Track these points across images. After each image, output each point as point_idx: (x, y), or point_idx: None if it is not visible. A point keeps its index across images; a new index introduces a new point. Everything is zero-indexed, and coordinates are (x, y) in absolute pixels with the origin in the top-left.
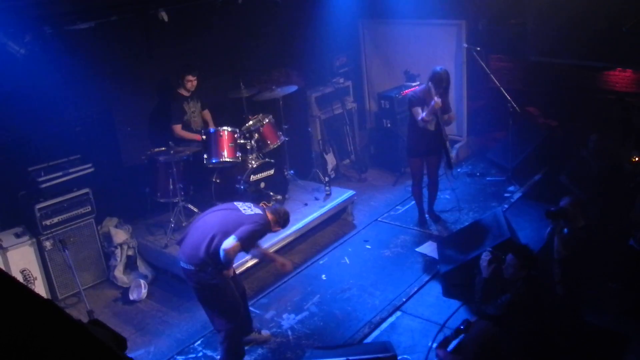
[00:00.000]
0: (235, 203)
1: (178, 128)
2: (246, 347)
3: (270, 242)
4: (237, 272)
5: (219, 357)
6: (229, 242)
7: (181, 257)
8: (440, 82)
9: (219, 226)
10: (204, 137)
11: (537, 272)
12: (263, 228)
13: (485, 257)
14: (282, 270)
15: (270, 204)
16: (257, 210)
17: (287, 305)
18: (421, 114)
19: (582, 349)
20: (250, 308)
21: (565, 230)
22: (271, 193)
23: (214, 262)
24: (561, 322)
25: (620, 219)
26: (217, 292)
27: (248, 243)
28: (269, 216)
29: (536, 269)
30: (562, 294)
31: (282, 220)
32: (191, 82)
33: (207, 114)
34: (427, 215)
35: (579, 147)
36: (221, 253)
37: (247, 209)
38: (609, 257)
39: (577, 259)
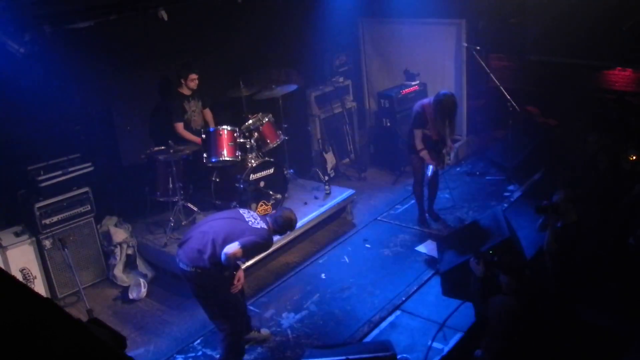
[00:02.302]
0: (241, 212)
1: (180, 126)
2: (246, 346)
3: None
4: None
5: (218, 355)
6: (232, 247)
7: (182, 259)
8: (438, 107)
9: (225, 233)
10: (203, 136)
11: (531, 274)
12: (266, 243)
13: (472, 260)
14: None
15: (270, 204)
16: (263, 225)
17: (287, 304)
18: (420, 138)
19: (580, 349)
20: (250, 307)
21: (559, 224)
22: (271, 192)
23: (216, 266)
24: (555, 320)
25: (619, 218)
26: (217, 292)
27: (249, 253)
28: (273, 231)
29: (529, 272)
30: (555, 289)
31: (283, 229)
32: (194, 80)
33: (207, 113)
34: (427, 214)
35: (579, 146)
36: (222, 256)
37: (253, 220)
38: (608, 256)
39: (568, 253)
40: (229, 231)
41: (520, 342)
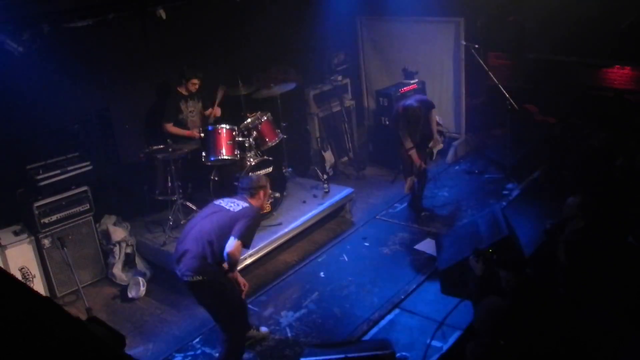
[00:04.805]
0: (216, 203)
1: (169, 126)
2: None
3: (268, 240)
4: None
5: (218, 355)
6: (231, 244)
7: (185, 272)
8: (404, 116)
9: (216, 230)
10: (202, 135)
11: (533, 273)
12: (257, 219)
13: (472, 258)
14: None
15: (268, 203)
16: (244, 204)
17: (286, 303)
18: (407, 137)
19: (579, 349)
20: (249, 305)
21: (567, 231)
22: (269, 190)
23: (220, 266)
24: (560, 323)
25: (619, 216)
26: (224, 295)
27: (248, 238)
28: (255, 204)
29: (530, 270)
30: (565, 297)
31: (259, 190)
32: (195, 85)
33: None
34: (422, 203)
35: (580, 145)
36: (226, 257)
37: (233, 205)
38: (609, 255)
39: (580, 264)
40: (219, 226)
41: (507, 346)
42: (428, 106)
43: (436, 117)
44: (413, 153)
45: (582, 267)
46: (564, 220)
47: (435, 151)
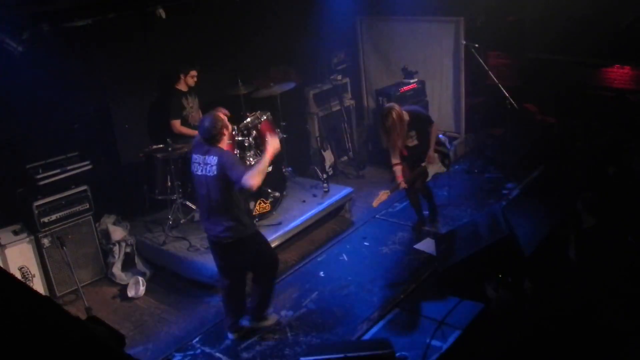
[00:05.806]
0: (200, 174)
1: (177, 124)
2: (243, 345)
3: (268, 240)
4: None
5: (256, 301)
6: (245, 182)
7: (222, 238)
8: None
9: (224, 197)
10: None
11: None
12: (233, 157)
13: (496, 298)
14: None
15: (268, 202)
16: (213, 158)
17: (285, 302)
18: (393, 149)
19: (580, 347)
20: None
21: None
22: (269, 190)
23: (252, 222)
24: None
25: (619, 216)
26: (261, 246)
27: (241, 165)
28: (224, 145)
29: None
30: (576, 294)
31: (229, 133)
32: (194, 77)
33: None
34: (426, 212)
35: (581, 144)
36: (251, 187)
37: (208, 167)
38: (611, 254)
39: (591, 262)
40: (221, 192)
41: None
42: (420, 118)
43: (438, 135)
44: (397, 169)
45: (593, 265)
46: (575, 217)
47: (430, 172)
